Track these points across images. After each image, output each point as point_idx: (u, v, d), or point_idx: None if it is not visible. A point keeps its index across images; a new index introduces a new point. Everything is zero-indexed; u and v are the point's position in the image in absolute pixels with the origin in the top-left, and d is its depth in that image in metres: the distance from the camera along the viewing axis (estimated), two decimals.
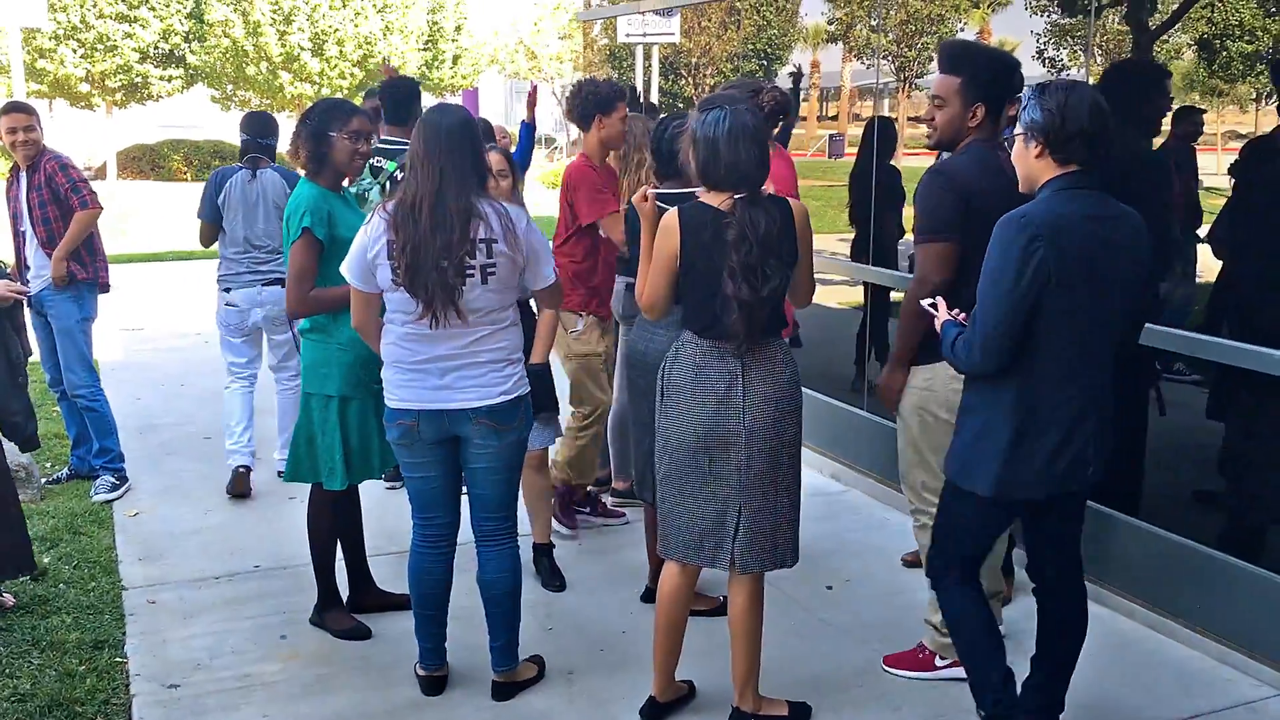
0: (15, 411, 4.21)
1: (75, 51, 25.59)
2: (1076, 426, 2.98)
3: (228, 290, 5.65)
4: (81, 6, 25.32)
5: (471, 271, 3.28)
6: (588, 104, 4.78)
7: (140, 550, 4.83)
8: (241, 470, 5.60)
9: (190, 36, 26.96)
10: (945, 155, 3.73)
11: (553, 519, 4.77)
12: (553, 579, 4.48)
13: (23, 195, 5.43)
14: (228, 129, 33.74)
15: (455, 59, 32.10)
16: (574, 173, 4.79)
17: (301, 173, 4.00)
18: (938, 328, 3.15)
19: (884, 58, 6.32)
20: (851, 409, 5.88)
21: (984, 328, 2.91)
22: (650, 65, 9.54)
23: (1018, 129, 3.01)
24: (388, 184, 5.19)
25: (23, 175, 5.43)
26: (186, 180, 26.61)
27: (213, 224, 5.65)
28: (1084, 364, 2.97)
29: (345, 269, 3.40)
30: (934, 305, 3.21)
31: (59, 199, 5.37)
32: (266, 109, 27.61)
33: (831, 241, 6.35)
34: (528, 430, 3.57)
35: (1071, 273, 2.86)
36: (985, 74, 3.51)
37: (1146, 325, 3.60)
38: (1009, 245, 2.86)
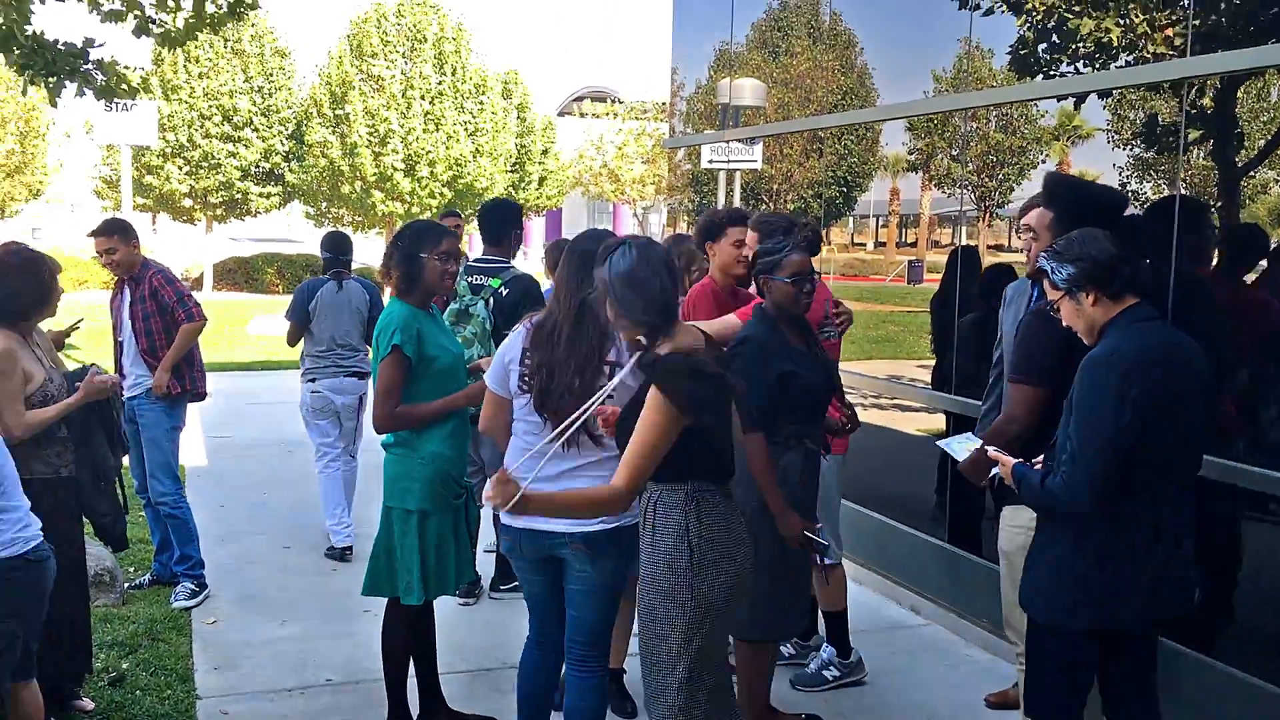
0: (104, 513, 4.30)
1: (181, 169, 26.82)
2: (1174, 551, 2.98)
3: (313, 380, 6.50)
4: (190, 127, 26.60)
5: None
6: (699, 231, 4.87)
7: (216, 659, 4.87)
8: (345, 549, 6.38)
9: (290, 156, 28.12)
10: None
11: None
12: (624, 704, 4.41)
13: (125, 307, 5.65)
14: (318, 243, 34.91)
15: (541, 180, 32.99)
16: (694, 293, 4.79)
17: (391, 292, 4.11)
18: (1005, 475, 3.15)
19: (963, 187, 6.36)
20: (932, 539, 5.77)
21: (1089, 468, 2.90)
22: (732, 190, 9.70)
23: (1053, 294, 3.11)
24: (491, 299, 5.33)
25: (126, 287, 5.66)
26: (279, 293, 27.47)
27: (301, 326, 6.49)
28: (1174, 489, 2.99)
29: (488, 376, 3.55)
30: (994, 452, 3.24)
31: (164, 311, 5.58)
32: (359, 225, 28.59)
33: (910, 367, 6.32)
34: (626, 561, 3.49)
35: (1162, 402, 2.90)
36: (1074, 210, 3.54)
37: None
38: (1104, 386, 2.90)
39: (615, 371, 3.36)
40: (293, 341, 6.62)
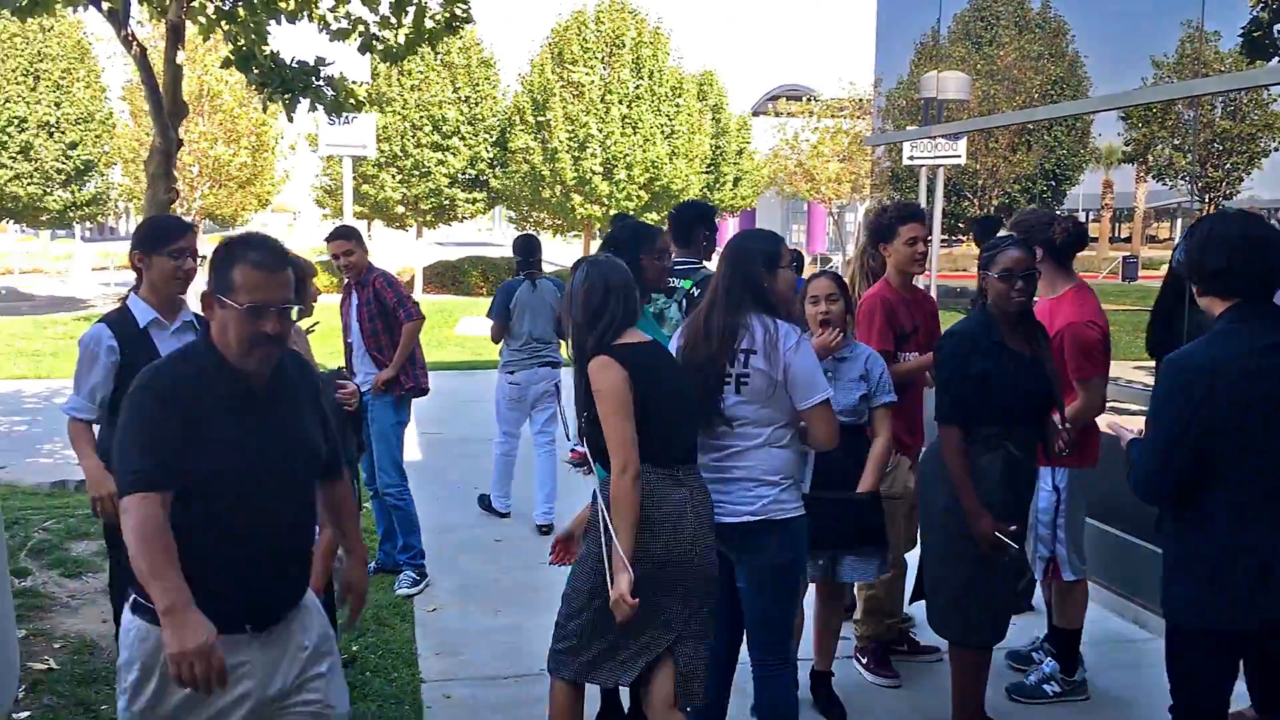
0: None
1: (394, 177, 28.14)
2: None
3: (512, 373, 7.16)
4: (402, 137, 27.89)
5: (728, 379, 3.42)
6: (869, 233, 4.88)
7: (437, 645, 5.12)
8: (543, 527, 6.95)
9: (494, 162, 29.11)
10: None
11: (868, 672, 4.74)
12: (831, 708, 4.40)
13: (353, 310, 6.03)
14: (555, 253, 36.03)
15: (736, 181, 33.05)
16: (864, 304, 4.78)
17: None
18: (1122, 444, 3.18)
19: (1184, 178, 6.08)
20: (1158, 550, 5.52)
21: (1146, 466, 2.97)
22: (935, 186, 9.51)
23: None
24: (684, 301, 5.41)
25: (354, 291, 6.04)
26: (483, 294, 28.47)
27: (503, 324, 7.08)
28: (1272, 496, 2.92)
29: None
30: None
31: (386, 312, 5.94)
32: (558, 229, 29.33)
33: (1127, 369, 6.07)
34: (790, 555, 3.51)
35: (1237, 409, 2.87)
36: None
37: None
38: (1171, 390, 2.93)
39: (750, 359, 3.42)
40: (497, 338, 7.20)
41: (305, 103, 7.23)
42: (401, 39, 7.18)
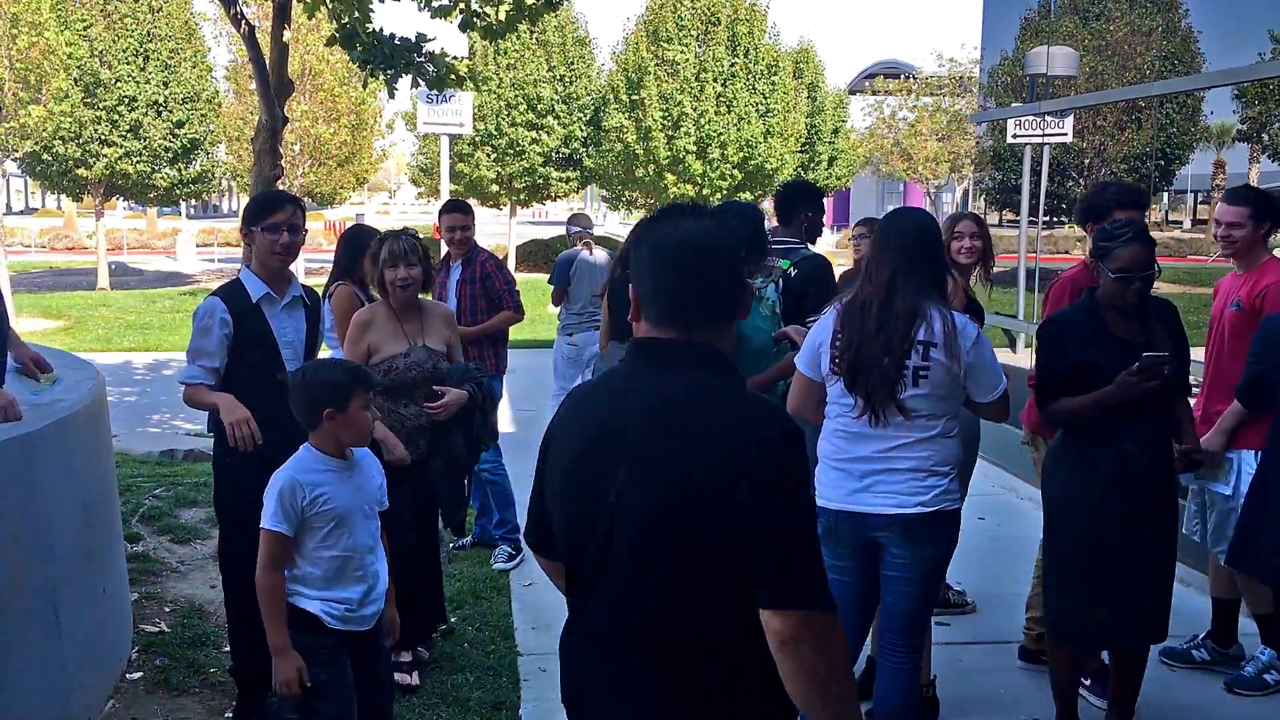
0: (448, 501, 4.60)
1: (489, 156, 28.38)
2: None
3: (570, 335, 7.70)
4: (498, 115, 28.11)
5: (906, 371, 3.31)
6: (1080, 211, 4.67)
7: (533, 619, 5.17)
8: None
9: (588, 141, 29.18)
10: None
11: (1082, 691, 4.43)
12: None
13: (451, 284, 6.09)
14: (612, 227, 36.10)
15: (831, 160, 32.66)
16: (1058, 284, 4.64)
17: None
18: None
19: None
20: None
21: None
22: (1040, 165, 9.26)
23: None
24: (779, 282, 5.35)
25: (455, 267, 6.09)
26: None
27: (562, 289, 7.70)
28: None
29: (798, 358, 3.59)
30: None
31: (492, 295, 6.00)
32: (651, 209, 29.28)
33: None
34: (952, 546, 3.46)
35: None
36: None
37: None
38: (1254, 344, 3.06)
39: (930, 351, 3.32)
40: (557, 303, 7.84)
41: (407, 79, 7.32)
42: (502, 15, 7.21)
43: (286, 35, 7.34)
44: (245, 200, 7.56)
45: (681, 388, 1.90)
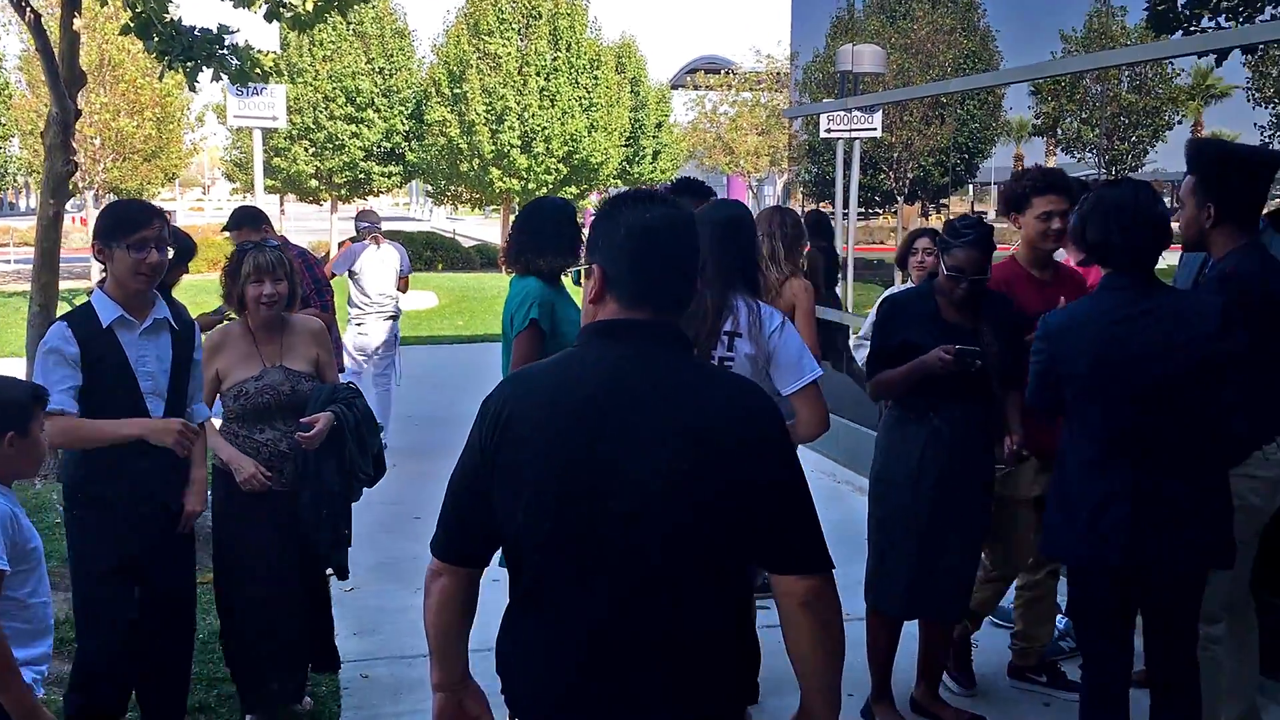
0: (320, 539, 4.01)
1: (307, 150, 27.59)
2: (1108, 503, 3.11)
3: (360, 325, 8.34)
4: (315, 109, 27.34)
5: (713, 362, 3.35)
6: (1001, 200, 4.50)
7: (355, 624, 5.05)
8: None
9: (410, 135, 28.69)
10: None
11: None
12: None
13: None
14: (439, 221, 35.69)
15: (655, 154, 33.01)
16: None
17: (509, 270, 4.18)
18: None
19: (1092, 150, 6.19)
20: None
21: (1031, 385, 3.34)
22: (851, 159, 9.57)
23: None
24: None
25: None
26: None
27: (350, 279, 8.31)
28: (1117, 449, 3.11)
29: None
30: None
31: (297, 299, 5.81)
32: (477, 203, 29.05)
33: None
34: None
35: (1082, 368, 3.12)
36: (1212, 173, 3.43)
37: None
38: (1038, 338, 3.28)
39: (734, 341, 3.38)
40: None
41: (208, 72, 7.01)
42: (310, 6, 6.99)
43: (78, 23, 6.95)
44: (41, 196, 7.09)
45: (675, 363, 1.96)
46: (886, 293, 5.02)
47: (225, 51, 6.98)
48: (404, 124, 28.64)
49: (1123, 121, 6.08)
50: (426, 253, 28.19)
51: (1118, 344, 3.08)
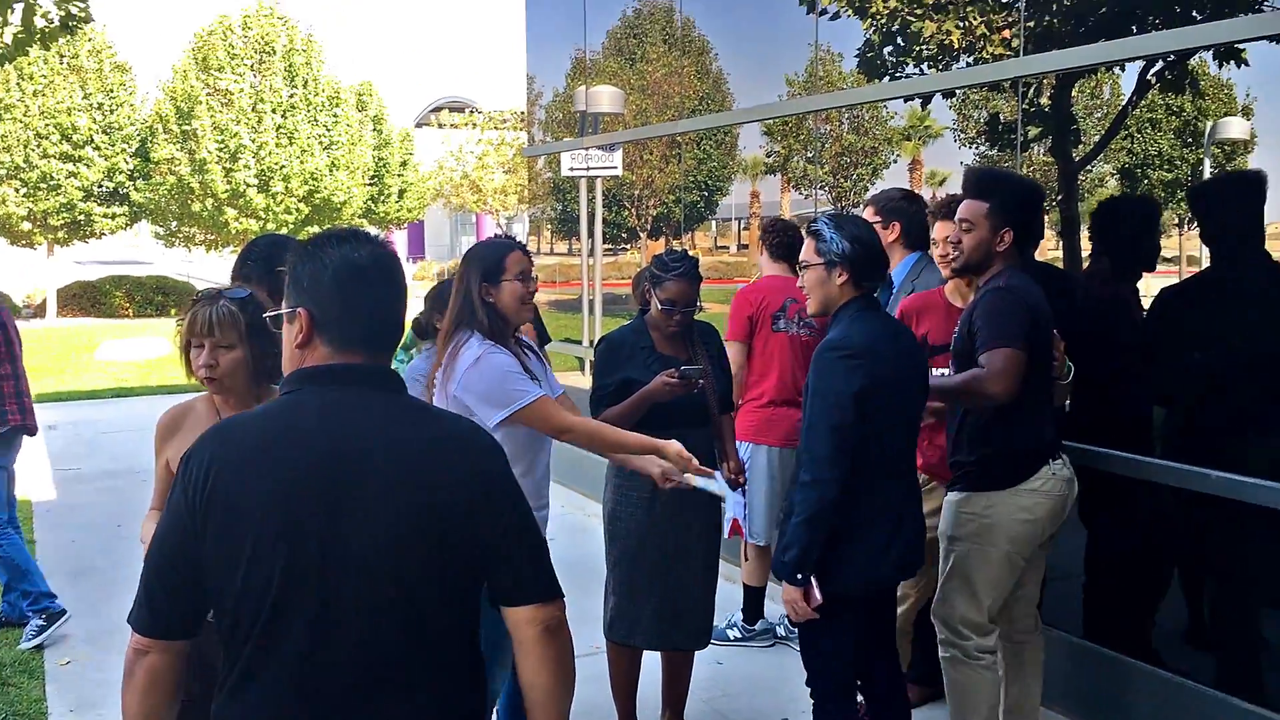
0: None
1: (18, 191, 25.59)
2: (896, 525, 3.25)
3: None
4: (25, 147, 25.42)
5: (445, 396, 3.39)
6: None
7: (72, 701, 4.63)
8: None
9: (135, 174, 27.11)
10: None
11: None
12: None
13: None
14: (172, 265, 33.81)
15: (401, 193, 32.52)
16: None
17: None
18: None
19: (820, 188, 6.50)
20: None
21: (821, 450, 3.12)
22: (594, 197, 9.71)
23: (817, 259, 3.23)
24: None
25: None
26: (129, 316, 26.43)
27: None
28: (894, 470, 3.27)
29: None
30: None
31: None
32: (211, 244, 27.72)
33: None
34: None
35: (886, 386, 3.15)
36: (1016, 198, 3.60)
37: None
38: (835, 371, 3.11)
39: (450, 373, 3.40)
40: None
41: None
42: (9, 38, 6.47)
43: None
44: None
45: (396, 413, 1.90)
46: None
47: None
48: (128, 162, 27.02)
49: (845, 161, 6.41)
50: (158, 298, 26.63)
51: (904, 359, 3.28)
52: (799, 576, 3.14)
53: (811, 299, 3.29)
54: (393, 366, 2.02)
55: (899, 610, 4.05)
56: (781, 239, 5.00)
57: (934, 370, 3.83)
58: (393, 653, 1.83)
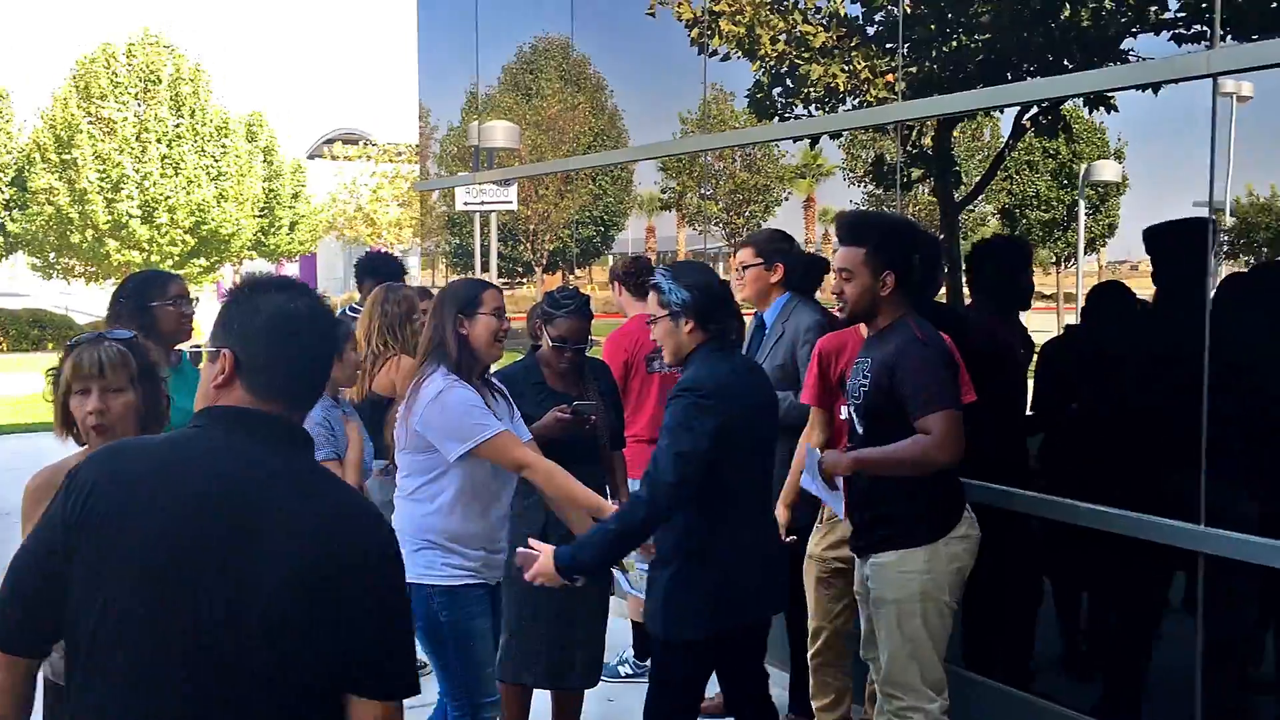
0: None
1: None
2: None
3: None
4: None
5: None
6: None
7: None
8: None
9: (10, 204, 26.19)
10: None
11: None
12: None
13: None
14: (50, 297, 32.68)
15: (293, 225, 31.98)
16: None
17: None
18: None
19: (714, 224, 6.57)
20: None
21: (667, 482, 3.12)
22: (489, 232, 9.68)
23: (662, 310, 3.26)
24: None
25: None
26: (3, 351, 25.40)
27: None
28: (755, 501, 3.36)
29: None
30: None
31: None
32: (92, 276, 26.87)
33: None
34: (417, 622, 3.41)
35: (737, 423, 3.17)
36: (888, 241, 3.42)
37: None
38: (688, 411, 3.12)
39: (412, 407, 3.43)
40: None
41: None
42: None
43: None
44: None
45: (297, 473, 1.84)
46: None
47: None
48: (3, 192, 26.10)
49: (739, 198, 6.50)
50: (34, 332, 25.69)
51: (752, 394, 3.34)
52: (574, 577, 3.20)
53: (665, 350, 3.33)
54: None
55: (815, 643, 4.10)
56: (639, 280, 5.00)
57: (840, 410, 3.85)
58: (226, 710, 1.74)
